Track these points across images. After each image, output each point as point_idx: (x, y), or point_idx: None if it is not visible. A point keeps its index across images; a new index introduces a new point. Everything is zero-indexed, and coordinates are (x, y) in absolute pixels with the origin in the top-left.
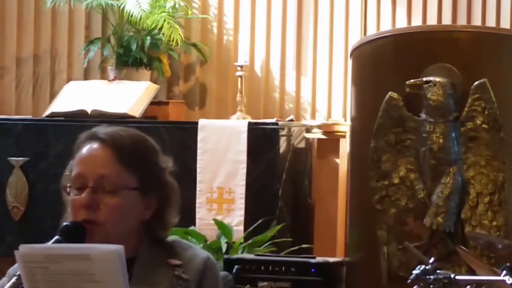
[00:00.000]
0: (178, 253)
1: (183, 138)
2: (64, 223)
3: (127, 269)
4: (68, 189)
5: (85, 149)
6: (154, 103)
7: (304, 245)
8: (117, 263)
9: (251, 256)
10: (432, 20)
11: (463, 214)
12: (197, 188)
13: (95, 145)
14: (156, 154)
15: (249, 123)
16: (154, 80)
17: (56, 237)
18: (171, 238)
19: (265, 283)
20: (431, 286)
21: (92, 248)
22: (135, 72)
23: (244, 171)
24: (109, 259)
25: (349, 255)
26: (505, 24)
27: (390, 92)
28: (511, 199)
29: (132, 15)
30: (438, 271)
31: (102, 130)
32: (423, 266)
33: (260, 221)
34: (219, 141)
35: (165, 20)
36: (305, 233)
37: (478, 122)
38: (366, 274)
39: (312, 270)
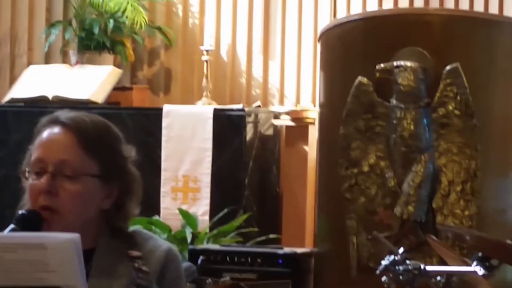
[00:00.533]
0: (139, 244)
1: (147, 125)
2: (20, 212)
3: (87, 261)
4: (26, 174)
5: (45, 133)
6: (117, 88)
7: (271, 235)
8: (73, 252)
9: (216, 246)
10: (403, 3)
11: (434, 203)
12: (162, 177)
13: (56, 129)
14: (119, 142)
15: (215, 109)
16: (117, 65)
17: (12, 225)
18: (132, 228)
19: (227, 278)
20: (401, 277)
21: (47, 237)
22: (98, 56)
23: (210, 159)
24: (65, 248)
25: (317, 245)
26: (478, 7)
27: (359, 77)
28: (484, 187)
29: None
30: (407, 262)
31: (65, 114)
32: (392, 257)
33: (226, 210)
34: (184, 127)
35: (128, 3)
36: (273, 223)
37: (450, 108)
38: (335, 265)
39: (279, 261)
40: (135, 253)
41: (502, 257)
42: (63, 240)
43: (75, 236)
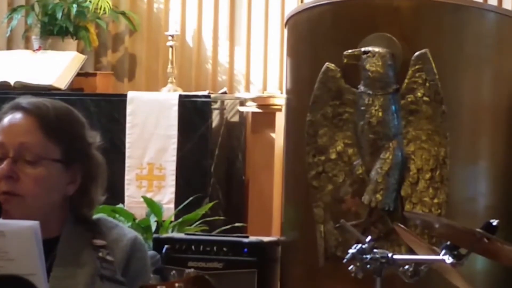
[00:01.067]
0: (103, 232)
1: (111, 111)
2: None
3: (51, 249)
4: None
5: (6, 119)
6: (81, 74)
7: (237, 224)
8: (32, 240)
9: (181, 235)
10: None
11: (403, 191)
12: (126, 164)
13: (18, 115)
14: (82, 127)
15: (180, 96)
16: (80, 50)
17: None
18: (96, 216)
19: (192, 270)
20: (368, 265)
21: (5, 224)
22: (61, 41)
23: (175, 146)
24: (24, 236)
25: (284, 234)
26: None
27: (327, 63)
28: (454, 175)
29: None
30: (375, 250)
31: (26, 100)
32: (359, 245)
33: (191, 198)
34: (149, 114)
35: None
36: (239, 211)
37: (419, 94)
38: (302, 253)
39: (245, 250)
40: (99, 242)
41: (471, 246)
42: (22, 227)
43: (34, 223)
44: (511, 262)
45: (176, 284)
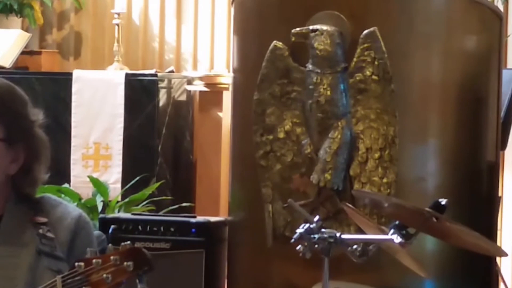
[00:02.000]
0: (47, 210)
1: (57, 90)
2: None
3: None
4: None
5: None
6: (26, 52)
7: (184, 204)
8: None
9: (128, 215)
10: None
11: (352, 171)
12: (72, 144)
13: None
14: (25, 105)
15: (127, 75)
16: (25, 28)
17: None
18: (40, 195)
19: (128, 242)
20: (316, 245)
21: None
22: (5, 19)
23: (122, 125)
24: None
25: (232, 214)
26: None
27: (274, 41)
28: (403, 154)
29: None
30: (323, 230)
31: None
32: (307, 225)
33: (138, 178)
34: (94, 93)
35: None
36: (186, 191)
37: (368, 73)
38: (250, 234)
39: (192, 230)
40: (40, 219)
41: (420, 225)
42: None
43: None
44: (460, 241)
45: (112, 257)
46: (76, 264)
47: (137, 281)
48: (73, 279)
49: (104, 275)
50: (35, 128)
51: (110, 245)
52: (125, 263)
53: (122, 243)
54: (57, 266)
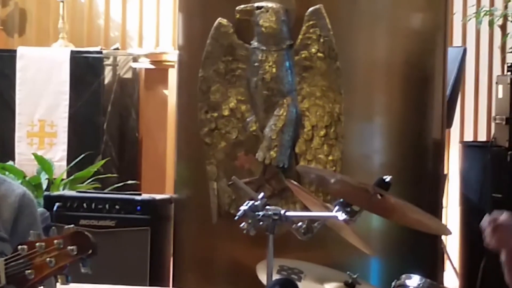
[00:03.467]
0: None
1: (1, 67)
2: None
3: None
4: None
5: None
6: None
7: (130, 181)
8: None
9: (72, 193)
10: None
11: (297, 148)
12: (17, 121)
13: None
14: None
15: (72, 52)
16: None
17: None
18: None
19: (72, 226)
20: (260, 222)
21: None
22: None
23: (67, 103)
24: None
25: (177, 191)
26: None
27: (219, 19)
28: (348, 132)
29: None
30: (267, 207)
31: None
32: (251, 202)
33: (83, 155)
34: (39, 70)
35: None
36: (132, 168)
37: (313, 50)
38: (195, 211)
39: (138, 207)
40: None
41: (364, 202)
42: None
43: None
44: (404, 218)
45: (55, 241)
46: (19, 247)
47: (81, 265)
48: (16, 262)
49: (48, 259)
50: None
51: (53, 228)
52: (68, 247)
53: (66, 227)
54: (0, 247)
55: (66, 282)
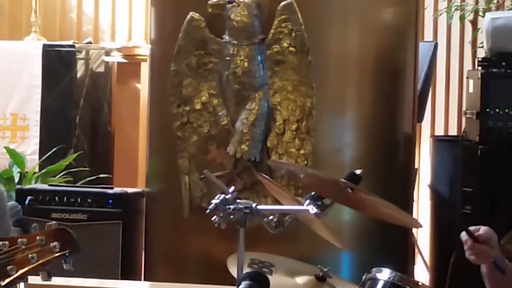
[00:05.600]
0: None
1: None
2: None
3: None
4: None
5: None
6: None
7: (102, 175)
8: None
9: (44, 186)
10: None
11: (269, 142)
12: None
13: None
14: None
15: (44, 45)
16: None
17: None
18: None
19: (54, 222)
20: (231, 216)
21: None
22: None
23: (39, 96)
24: None
25: (149, 185)
26: None
27: (191, 13)
28: (320, 126)
29: None
30: (238, 201)
31: None
32: (223, 196)
33: (55, 149)
34: (11, 64)
35: None
36: (104, 162)
37: (285, 45)
38: (167, 205)
39: (110, 201)
40: None
41: (335, 196)
42: None
43: None
44: (375, 212)
45: (37, 237)
46: (1, 242)
47: (63, 261)
48: None
49: (30, 255)
50: None
51: (35, 224)
52: (51, 244)
53: (48, 223)
54: None
55: (48, 278)
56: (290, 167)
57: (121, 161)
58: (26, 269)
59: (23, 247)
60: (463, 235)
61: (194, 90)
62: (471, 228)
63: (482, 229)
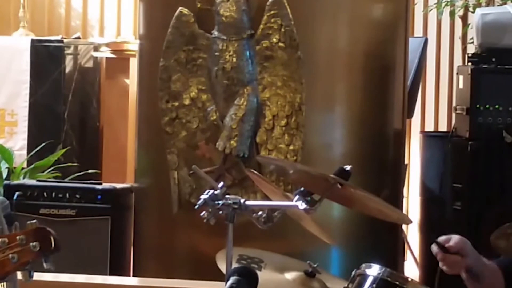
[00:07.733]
0: None
1: None
2: None
3: None
4: None
5: None
6: None
7: (90, 171)
8: None
9: (33, 181)
10: None
11: (258, 138)
12: None
13: None
14: None
15: (32, 41)
16: None
17: None
18: None
19: (34, 221)
20: (220, 211)
21: None
22: None
23: (27, 91)
24: None
25: (138, 181)
26: None
27: (180, 8)
28: (309, 122)
29: None
30: (227, 196)
31: None
32: (211, 191)
33: (43, 144)
34: None
35: None
36: (93, 157)
37: (274, 40)
38: (156, 200)
39: (98, 196)
40: None
41: (324, 192)
42: None
43: None
44: (365, 208)
45: (18, 237)
46: None
47: (43, 261)
48: None
49: (10, 255)
50: None
51: (16, 223)
52: (31, 243)
53: (28, 222)
54: None
55: (29, 278)
56: (279, 162)
57: (109, 157)
58: (6, 269)
59: (4, 246)
60: (433, 247)
61: (183, 86)
62: (442, 238)
63: (453, 239)
